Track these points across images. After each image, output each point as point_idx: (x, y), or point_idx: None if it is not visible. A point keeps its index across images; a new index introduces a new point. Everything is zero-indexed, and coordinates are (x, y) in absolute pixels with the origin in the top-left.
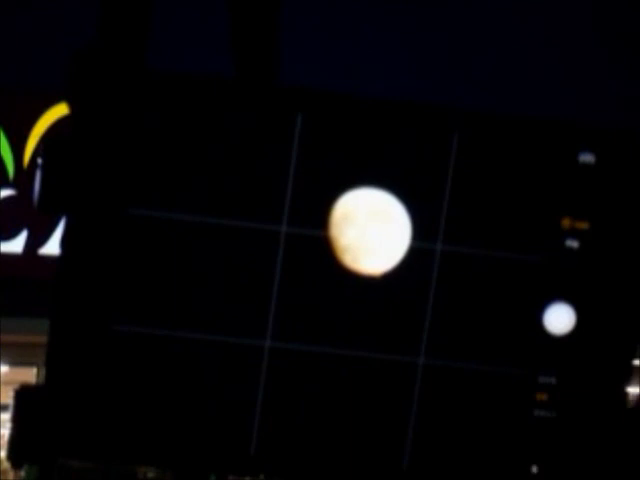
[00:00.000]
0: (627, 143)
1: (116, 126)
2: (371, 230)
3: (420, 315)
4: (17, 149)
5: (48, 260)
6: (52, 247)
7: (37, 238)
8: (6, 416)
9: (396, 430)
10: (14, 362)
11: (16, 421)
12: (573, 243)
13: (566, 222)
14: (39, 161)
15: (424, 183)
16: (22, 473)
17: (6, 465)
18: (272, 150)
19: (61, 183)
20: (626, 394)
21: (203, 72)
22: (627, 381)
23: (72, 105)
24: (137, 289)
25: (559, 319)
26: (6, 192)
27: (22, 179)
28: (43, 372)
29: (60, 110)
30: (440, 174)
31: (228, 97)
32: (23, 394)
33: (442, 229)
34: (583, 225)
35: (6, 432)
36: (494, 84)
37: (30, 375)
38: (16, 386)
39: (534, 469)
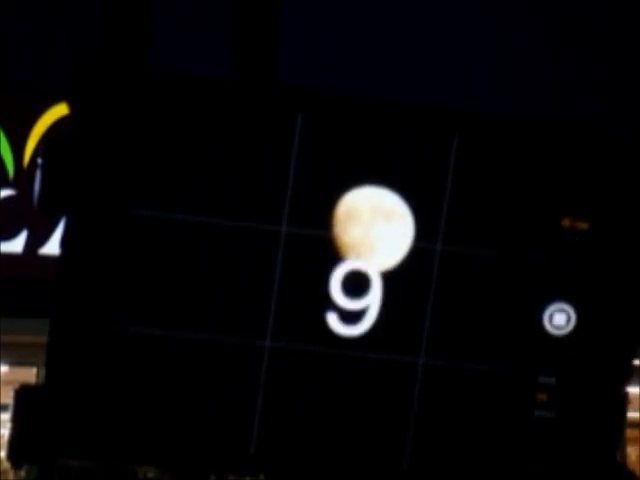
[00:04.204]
0: (626, 144)
1: (116, 126)
2: (375, 228)
3: (420, 315)
4: (17, 149)
5: (48, 260)
6: (52, 247)
7: (37, 238)
8: (6, 416)
9: (396, 430)
10: (14, 362)
11: (16, 421)
12: (573, 243)
13: (566, 222)
14: (39, 161)
15: (424, 183)
16: (22, 473)
17: (6, 465)
18: (272, 150)
19: (61, 183)
20: (626, 394)
21: (203, 73)
22: (627, 381)
23: (72, 105)
24: (137, 289)
25: (559, 319)
26: (6, 192)
27: (22, 179)
28: (43, 372)
29: (60, 110)
30: (440, 174)
31: (228, 97)
32: (23, 394)
33: (442, 229)
34: (583, 225)
35: (6, 432)
36: (494, 84)
37: (30, 375)
38: (16, 386)
39: (534, 469)
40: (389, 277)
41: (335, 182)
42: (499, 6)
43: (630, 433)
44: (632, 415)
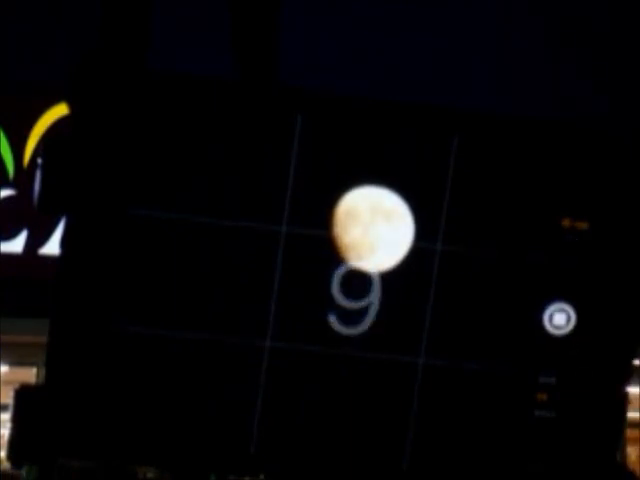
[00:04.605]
0: (627, 144)
1: (116, 126)
2: (375, 228)
3: (420, 315)
4: (17, 149)
5: (48, 260)
6: (52, 247)
7: (37, 238)
8: (6, 416)
9: (396, 430)
10: (14, 362)
11: (16, 421)
12: (573, 243)
13: (566, 222)
14: (39, 161)
15: (424, 183)
16: (22, 473)
17: (6, 465)
18: (272, 150)
19: (61, 183)
20: (626, 394)
21: (203, 73)
22: (627, 381)
23: (72, 105)
24: (137, 289)
25: (559, 319)
26: (6, 192)
27: (22, 179)
28: (43, 372)
29: (60, 110)
30: (440, 174)
31: (228, 97)
32: (23, 394)
33: (442, 229)
34: (583, 225)
35: (6, 432)
36: (494, 84)
37: (30, 375)
38: (16, 386)
39: (534, 469)
40: (389, 277)
41: (335, 182)
42: (499, 6)
43: (630, 433)
44: (632, 415)
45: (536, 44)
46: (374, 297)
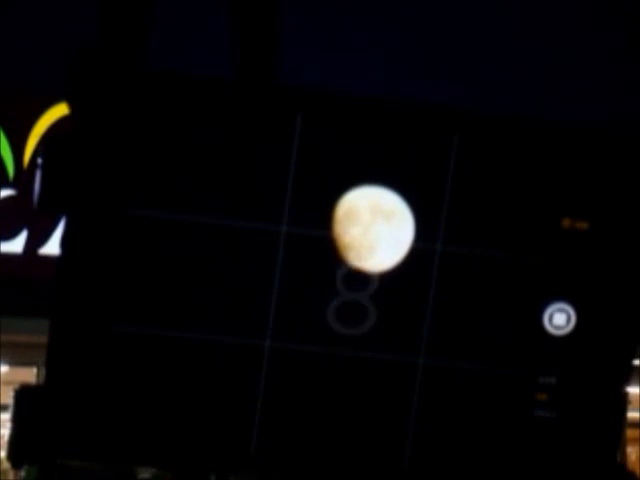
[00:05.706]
0: (626, 144)
1: (116, 126)
2: (375, 228)
3: (420, 315)
4: (17, 149)
5: (48, 260)
6: (52, 247)
7: (37, 238)
8: (6, 416)
9: (396, 430)
10: (14, 362)
11: (16, 421)
12: (573, 243)
13: (566, 222)
14: (39, 161)
15: (424, 184)
16: (22, 473)
17: (6, 465)
18: (272, 150)
19: (61, 183)
20: (626, 394)
21: (203, 73)
22: (627, 381)
23: (72, 106)
24: (137, 289)
25: (559, 319)
26: (6, 192)
27: (22, 179)
28: (43, 372)
29: (60, 110)
30: (440, 174)
31: (228, 97)
32: (23, 394)
33: (442, 229)
34: (583, 225)
35: (6, 432)
36: (494, 85)
37: (30, 375)
38: (16, 386)
39: (534, 468)
40: (389, 277)
41: (335, 182)
42: (499, 6)
43: (630, 433)
44: (632, 415)
45: (536, 44)
46: (374, 297)
